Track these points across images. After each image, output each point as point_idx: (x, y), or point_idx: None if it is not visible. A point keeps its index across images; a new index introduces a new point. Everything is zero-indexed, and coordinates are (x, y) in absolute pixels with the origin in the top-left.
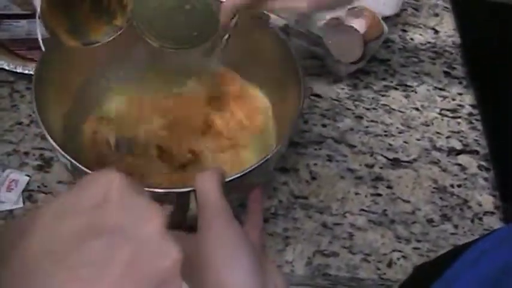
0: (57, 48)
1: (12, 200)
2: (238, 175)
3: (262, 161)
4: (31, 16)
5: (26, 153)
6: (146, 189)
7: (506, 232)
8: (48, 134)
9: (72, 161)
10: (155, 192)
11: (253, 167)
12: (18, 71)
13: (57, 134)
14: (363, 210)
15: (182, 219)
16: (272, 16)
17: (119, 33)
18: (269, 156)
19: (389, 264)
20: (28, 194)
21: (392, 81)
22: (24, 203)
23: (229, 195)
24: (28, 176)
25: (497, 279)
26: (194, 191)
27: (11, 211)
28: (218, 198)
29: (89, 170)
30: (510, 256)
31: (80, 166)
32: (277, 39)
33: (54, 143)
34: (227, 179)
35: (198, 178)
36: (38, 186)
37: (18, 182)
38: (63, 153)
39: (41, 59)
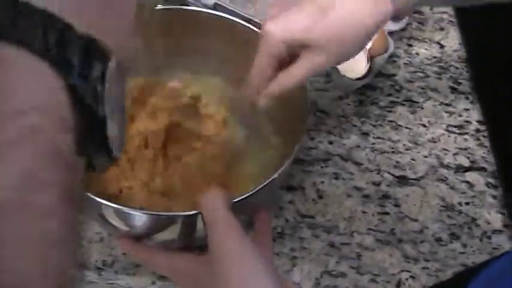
0: None
1: None
2: (243, 196)
3: (268, 181)
4: None
5: None
6: (151, 213)
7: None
8: None
9: None
10: (160, 215)
11: (258, 188)
12: None
13: None
14: (371, 229)
15: (188, 242)
16: None
17: None
18: (275, 176)
19: (398, 285)
20: None
21: (398, 97)
22: None
23: (236, 216)
24: None
25: None
26: (200, 212)
27: None
28: (227, 215)
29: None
30: None
31: None
32: None
33: None
34: (234, 200)
35: (203, 198)
36: None
37: None
38: None
39: None
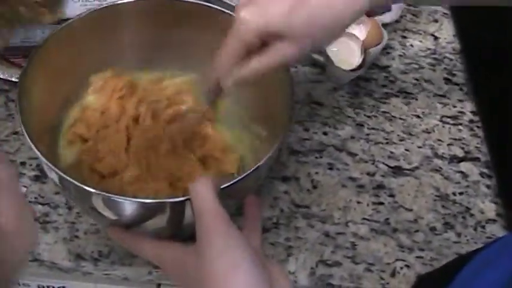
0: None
1: None
2: (230, 183)
3: (254, 168)
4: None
5: (23, 164)
6: (138, 200)
7: (508, 240)
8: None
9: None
10: (148, 203)
11: (245, 174)
12: (13, 79)
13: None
14: (365, 219)
15: (177, 230)
16: None
17: None
18: (261, 162)
19: (393, 274)
20: None
21: (392, 88)
22: None
23: (224, 202)
24: (25, 186)
25: None
26: (189, 199)
27: None
28: (215, 204)
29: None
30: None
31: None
32: None
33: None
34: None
35: (192, 186)
36: (35, 197)
37: None
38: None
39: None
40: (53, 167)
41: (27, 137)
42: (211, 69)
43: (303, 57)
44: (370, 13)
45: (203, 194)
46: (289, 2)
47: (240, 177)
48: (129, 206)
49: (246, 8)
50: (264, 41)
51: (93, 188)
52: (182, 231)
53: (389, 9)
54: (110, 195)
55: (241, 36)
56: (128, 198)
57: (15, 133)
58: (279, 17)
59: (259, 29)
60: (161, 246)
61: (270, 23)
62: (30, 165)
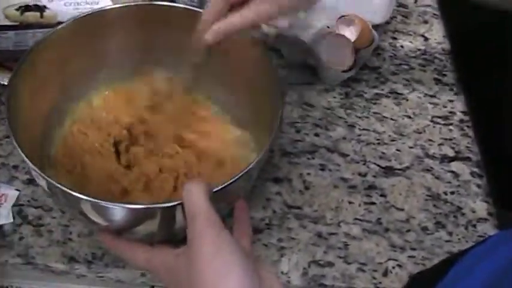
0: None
1: (2, 215)
2: (222, 186)
3: (244, 172)
4: (18, 28)
5: (15, 167)
6: (128, 206)
7: (498, 237)
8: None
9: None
10: (139, 208)
11: (236, 177)
12: (5, 83)
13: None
14: (357, 219)
15: (169, 235)
16: (263, 26)
17: None
18: (251, 166)
19: (385, 273)
20: (18, 208)
21: (383, 89)
22: (14, 218)
23: (216, 205)
24: (18, 190)
25: (494, 285)
26: (181, 204)
27: (0, 226)
28: (207, 207)
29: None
30: (504, 260)
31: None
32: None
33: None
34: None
35: (185, 189)
36: (28, 201)
37: (7, 197)
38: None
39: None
40: (40, 173)
41: (14, 141)
42: (198, 27)
43: (282, 16)
44: None
45: (196, 197)
46: None
47: (231, 181)
48: (119, 212)
49: None
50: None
51: (82, 194)
52: (174, 235)
53: None
54: (99, 201)
55: None
56: (117, 204)
57: (8, 136)
58: None
59: None
60: (152, 251)
61: None
62: (23, 168)
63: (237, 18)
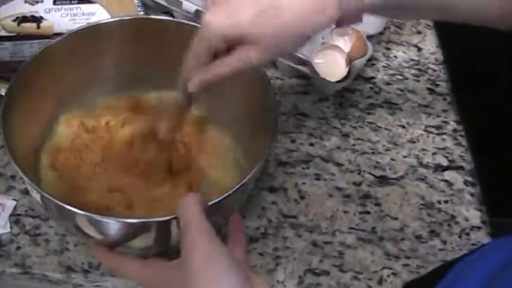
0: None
1: None
2: (217, 200)
3: (239, 186)
4: (15, 38)
5: (13, 177)
6: (123, 220)
7: (492, 245)
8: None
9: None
10: (135, 223)
11: (231, 191)
12: (2, 93)
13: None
14: (352, 228)
15: (163, 248)
16: None
17: None
18: (246, 180)
19: (380, 282)
20: (15, 218)
21: (377, 99)
22: (11, 227)
23: (212, 218)
24: (15, 200)
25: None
26: (174, 218)
27: None
28: (200, 218)
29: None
30: (497, 264)
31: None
32: None
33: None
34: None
35: (180, 203)
36: (26, 211)
37: (5, 206)
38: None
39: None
40: (35, 186)
41: (9, 152)
42: (180, 74)
43: (268, 63)
44: (340, 23)
45: (188, 207)
46: (258, 7)
47: (225, 195)
48: (114, 226)
49: (211, 11)
50: (230, 46)
51: (77, 208)
52: (168, 250)
53: (360, 21)
54: (93, 215)
55: (206, 38)
56: (112, 218)
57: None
58: (245, 21)
59: (223, 31)
60: (145, 264)
61: (235, 25)
62: (21, 178)
63: (221, 67)
